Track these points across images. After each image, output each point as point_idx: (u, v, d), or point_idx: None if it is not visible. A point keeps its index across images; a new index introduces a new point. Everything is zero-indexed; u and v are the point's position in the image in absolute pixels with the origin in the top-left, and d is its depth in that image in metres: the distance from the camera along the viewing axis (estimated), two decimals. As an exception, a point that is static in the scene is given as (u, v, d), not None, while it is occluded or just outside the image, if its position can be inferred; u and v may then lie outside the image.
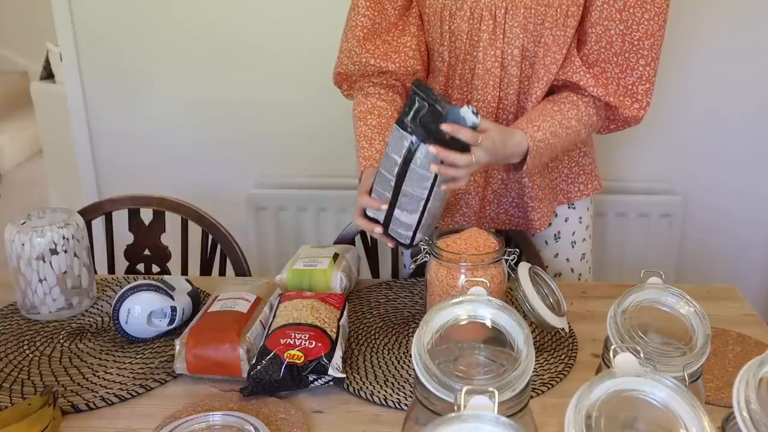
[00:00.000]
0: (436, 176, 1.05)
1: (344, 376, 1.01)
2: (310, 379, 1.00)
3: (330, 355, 1.01)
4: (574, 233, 1.43)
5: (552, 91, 1.30)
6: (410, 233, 1.14)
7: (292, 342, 1.02)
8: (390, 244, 1.18)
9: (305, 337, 1.03)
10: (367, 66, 1.28)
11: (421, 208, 1.10)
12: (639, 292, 0.82)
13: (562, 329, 1.12)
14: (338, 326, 1.08)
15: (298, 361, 0.99)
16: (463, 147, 1.03)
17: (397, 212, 1.11)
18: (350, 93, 1.38)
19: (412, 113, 1.02)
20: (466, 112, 1.01)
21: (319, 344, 1.02)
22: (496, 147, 1.09)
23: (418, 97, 1.01)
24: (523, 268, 1.13)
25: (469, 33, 1.21)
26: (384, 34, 1.28)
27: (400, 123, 1.03)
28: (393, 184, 1.08)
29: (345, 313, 1.14)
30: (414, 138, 1.02)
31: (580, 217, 1.44)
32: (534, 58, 1.21)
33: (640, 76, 1.22)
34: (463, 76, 1.26)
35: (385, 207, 1.12)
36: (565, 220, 1.43)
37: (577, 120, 1.24)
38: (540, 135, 1.18)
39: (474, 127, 1.02)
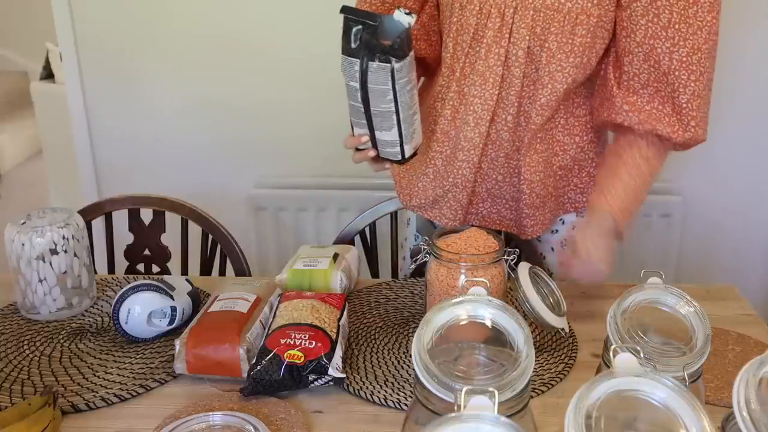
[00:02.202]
0: (394, 85, 1.07)
1: (344, 376, 1.01)
2: (310, 379, 1.00)
3: (330, 355, 1.01)
4: None
5: (598, 124, 1.32)
6: (398, 149, 1.16)
7: (292, 342, 1.02)
8: (387, 165, 1.23)
9: (305, 337, 1.03)
10: None
11: (395, 122, 1.12)
12: (639, 292, 0.82)
13: (562, 329, 1.12)
14: (338, 326, 1.08)
15: (298, 361, 0.99)
16: (407, 45, 1.05)
17: (377, 134, 1.15)
18: None
19: (352, 37, 1.04)
20: (399, 16, 1.03)
21: (319, 344, 1.02)
22: (587, 248, 1.19)
23: (351, 20, 1.04)
24: (523, 268, 1.13)
25: (475, 28, 1.20)
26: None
27: (346, 51, 1.05)
28: (363, 110, 1.11)
29: (345, 313, 1.14)
30: (361, 59, 1.05)
31: None
32: (539, 62, 1.20)
33: (693, 92, 1.19)
34: (463, 70, 1.25)
35: (366, 138, 1.16)
36: (573, 228, 1.41)
37: (642, 157, 1.26)
38: (618, 203, 1.24)
39: (410, 26, 1.04)
